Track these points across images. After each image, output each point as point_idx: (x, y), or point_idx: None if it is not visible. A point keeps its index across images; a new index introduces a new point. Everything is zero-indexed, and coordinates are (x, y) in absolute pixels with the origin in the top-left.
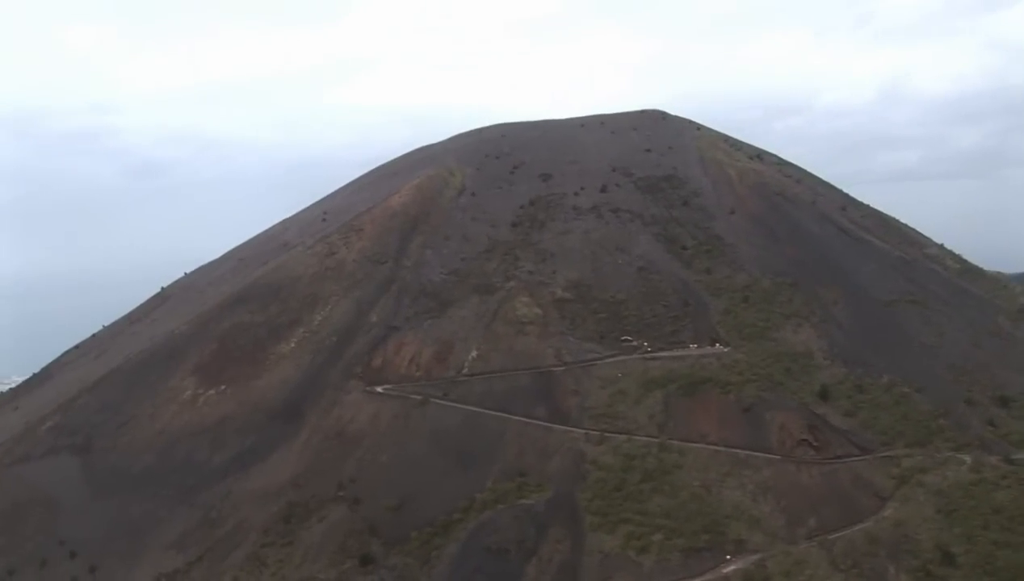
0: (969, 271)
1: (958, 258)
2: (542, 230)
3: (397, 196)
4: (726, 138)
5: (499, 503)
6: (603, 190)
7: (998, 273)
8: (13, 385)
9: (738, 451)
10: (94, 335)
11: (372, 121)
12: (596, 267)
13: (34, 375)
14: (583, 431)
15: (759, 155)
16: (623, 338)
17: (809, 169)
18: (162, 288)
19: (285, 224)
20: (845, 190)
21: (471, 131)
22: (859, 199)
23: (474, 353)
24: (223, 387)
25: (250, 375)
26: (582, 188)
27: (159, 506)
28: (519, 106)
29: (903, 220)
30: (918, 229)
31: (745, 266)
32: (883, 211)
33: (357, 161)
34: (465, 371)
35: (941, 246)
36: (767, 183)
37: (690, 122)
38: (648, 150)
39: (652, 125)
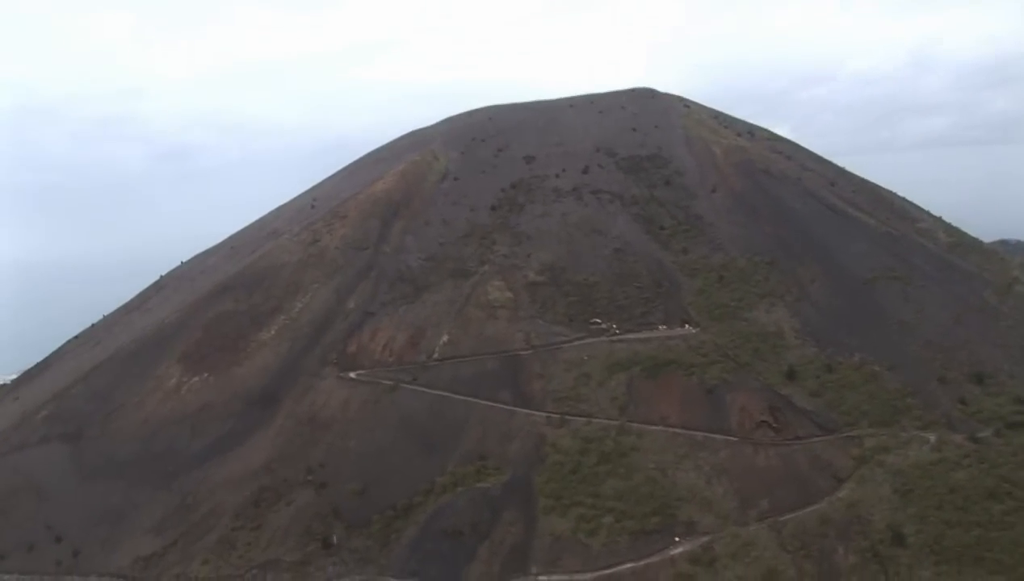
0: (961, 245)
1: (955, 231)
2: (521, 213)
3: (381, 182)
4: (716, 115)
5: (458, 486)
6: (585, 171)
7: (1001, 241)
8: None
9: (696, 433)
10: (93, 325)
11: (396, 100)
12: (571, 249)
13: (35, 365)
14: (545, 414)
15: (750, 132)
16: (592, 321)
17: (836, 138)
18: (160, 276)
19: (279, 211)
20: (873, 159)
21: (461, 113)
22: (867, 171)
23: (445, 338)
24: (206, 375)
25: (231, 363)
26: (564, 170)
27: (140, 492)
28: (540, 79)
29: (932, 188)
30: (944, 197)
31: (723, 245)
32: (880, 184)
33: (381, 141)
34: (436, 356)
35: (939, 219)
36: (752, 160)
37: (680, 99)
38: (634, 129)
39: (640, 103)
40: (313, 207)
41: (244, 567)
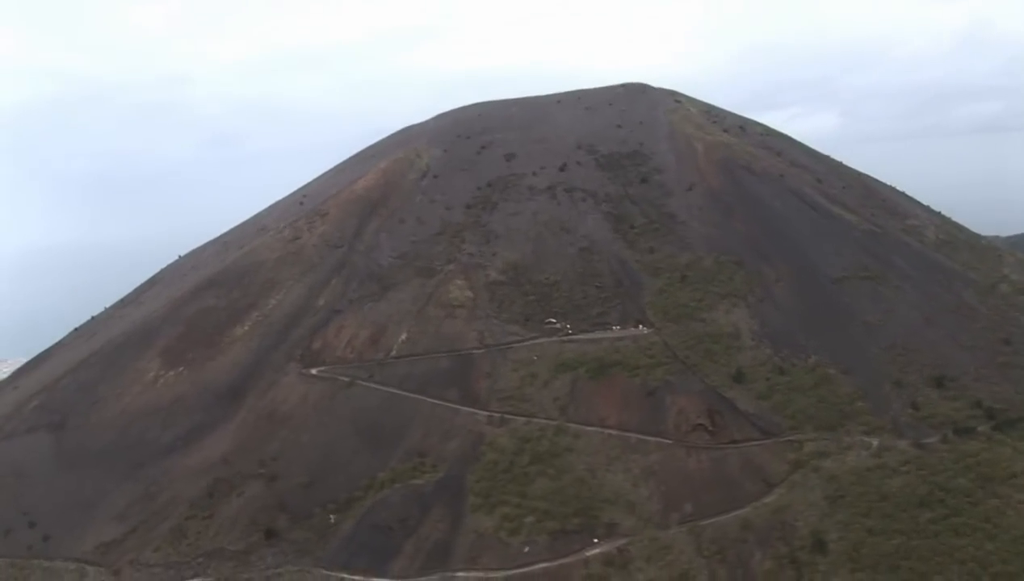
0: (952, 242)
1: (952, 227)
2: (494, 211)
3: (363, 180)
4: (709, 109)
5: (396, 482)
6: (562, 169)
7: (995, 237)
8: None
9: (631, 435)
10: (93, 317)
11: (443, 85)
12: (537, 248)
13: (38, 355)
14: (486, 414)
15: (742, 126)
16: (547, 321)
17: (884, 124)
18: (161, 270)
19: (273, 207)
20: (922, 144)
21: (453, 109)
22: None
23: (404, 336)
24: (181, 369)
25: (206, 357)
26: (542, 167)
27: (110, 480)
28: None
29: (982, 174)
30: (949, 189)
31: (692, 244)
32: (879, 179)
33: None
34: (393, 354)
35: (939, 214)
36: (734, 157)
37: (672, 93)
38: (619, 126)
39: (629, 99)
40: (301, 204)
41: (191, 555)
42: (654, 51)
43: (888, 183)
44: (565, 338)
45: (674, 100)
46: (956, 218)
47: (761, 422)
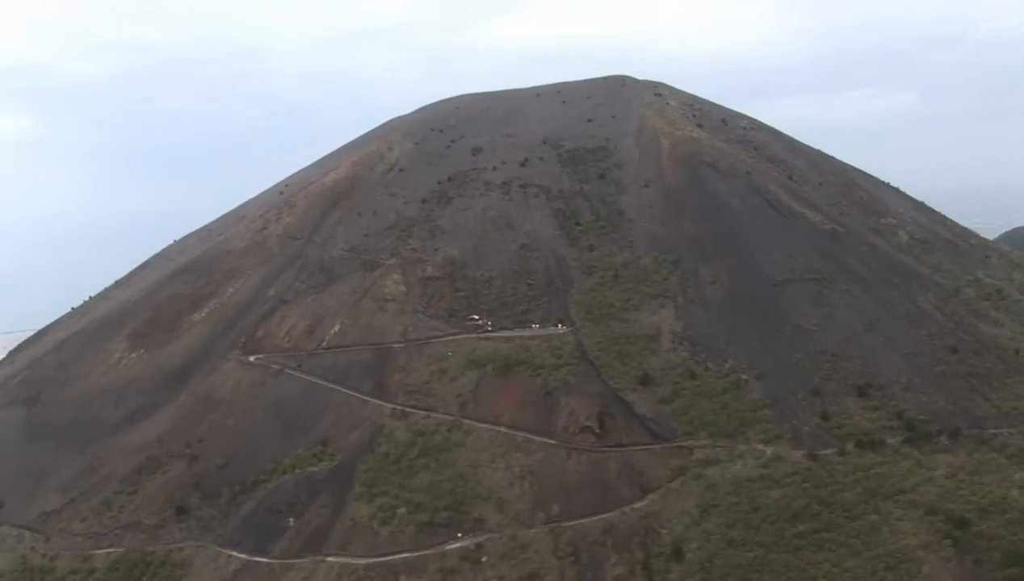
0: (927, 242)
1: (941, 226)
2: (447, 206)
3: (334, 172)
4: (692, 103)
5: (297, 468)
6: (523, 164)
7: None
8: None
9: (519, 434)
10: (90, 297)
11: (511, 59)
12: (479, 244)
13: (37, 331)
14: (391, 406)
15: (724, 120)
16: (470, 317)
17: (963, 105)
18: (156, 253)
19: (258, 196)
20: (1002, 126)
21: (436, 102)
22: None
23: (336, 327)
24: (142, 351)
25: (164, 342)
26: (504, 162)
27: (62, 454)
28: (659, 38)
29: None
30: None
31: (634, 243)
32: (869, 173)
33: None
34: (324, 345)
35: (934, 212)
36: (700, 153)
37: (655, 86)
38: (590, 120)
39: (607, 93)
40: (282, 193)
41: (111, 527)
42: (728, 29)
43: (891, 178)
44: (482, 335)
45: (654, 93)
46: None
47: (656, 427)
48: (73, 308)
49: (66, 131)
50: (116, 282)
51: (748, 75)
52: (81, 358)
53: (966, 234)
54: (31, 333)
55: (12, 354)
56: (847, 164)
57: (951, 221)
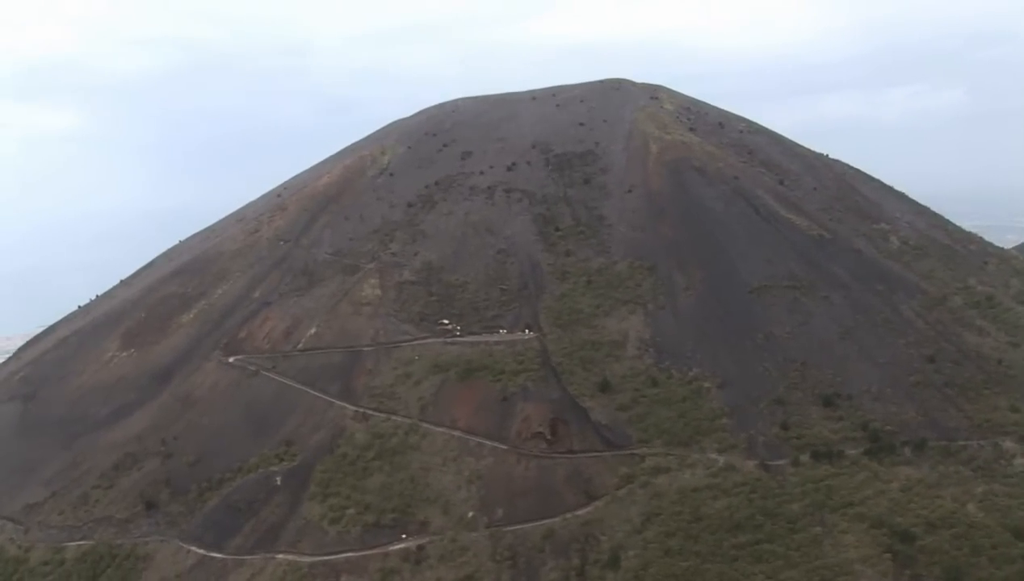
0: (920, 249)
1: (941, 231)
2: (431, 211)
3: (327, 176)
4: (689, 106)
5: (260, 467)
6: (510, 168)
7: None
8: None
9: (472, 438)
10: (98, 295)
11: (550, 56)
12: (457, 249)
13: (46, 328)
14: (354, 408)
15: (721, 123)
16: (440, 321)
17: (1014, 101)
18: (162, 253)
19: (259, 198)
20: None
21: (434, 105)
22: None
23: (313, 330)
24: (132, 350)
25: (153, 342)
26: (491, 167)
27: (50, 449)
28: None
29: None
30: None
31: (611, 249)
32: (870, 175)
33: None
34: (300, 347)
35: (937, 216)
36: (689, 157)
37: (652, 89)
38: (581, 124)
39: (602, 96)
40: (279, 196)
41: (86, 520)
42: (770, 25)
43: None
44: (449, 340)
45: (651, 97)
46: None
47: (611, 434)
48: (80, 306)
49: (117, 126)
50: (121, 281)
51: (789, 72)
52: (77, 356)
53: (967, 239)
54: None
55: (20, 350)
56: (850, 167)
57: (954, 226)
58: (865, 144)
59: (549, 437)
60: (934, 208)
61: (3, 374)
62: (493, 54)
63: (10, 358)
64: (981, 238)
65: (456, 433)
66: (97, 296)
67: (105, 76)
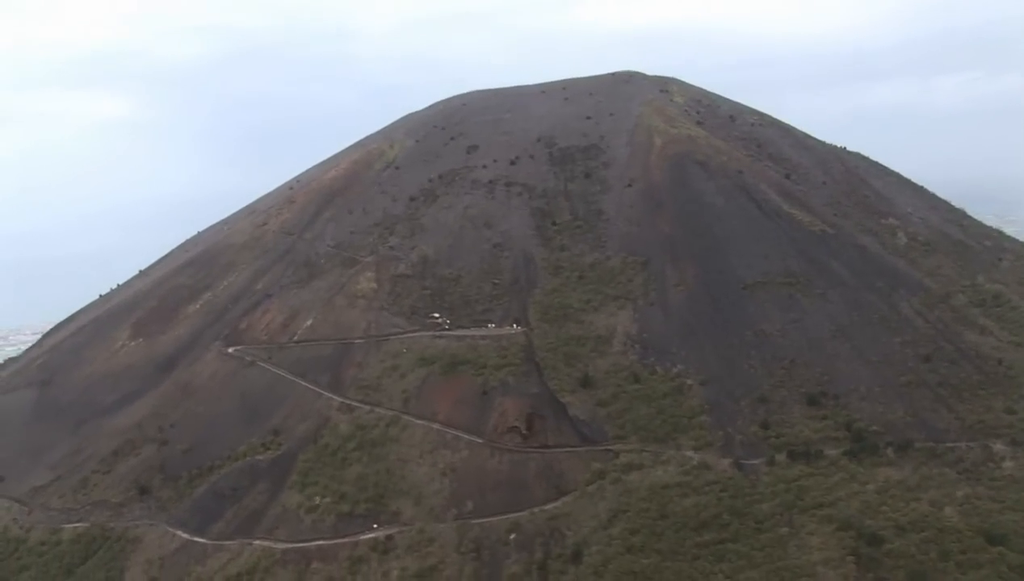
0: (929, 245)
1: (955, 226)
2: (432, 205)
3: (335, 169)
4: (700, 99)
5: (247, 455)
6: (513, 162)
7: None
8: None
9: (449, 431)
10: (118, 285)
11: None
12: (454, 243)
13: (68, 317)
14: (340, 400)
15: (732, 116)
16: (430, 315)
17: None
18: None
19: (272, 191)
20: None
21: (445, 99)
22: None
23: (309, 322)
24: (141, 340)
25: (160, 331)
26: (495, 160)
27: (59, 434)
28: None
29: None
30: None
31: (607, 243)
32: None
33: None
34: (296, 338)
35: (956, 210)
36: (693, 152)
37: (663, 81)
38: (588, 118)
39: (611, 90)
40: (291, 189)
41: (84, 503)
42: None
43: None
44: (437, 333)
45: (660, 90)
46: None
47: (587, 429)
48: (101, 295)
49: (170, 113)
50: (140, 271)
51: (839, 58)
52: (91, 344)
53: (983, 234)
54: None
55: (43, 338)
56: (866, 157)
57: (971, 220)
58: (917, 132)
59: (524, 431)
60: (984, 196)
61: (25, 360)
62: (541, 41)
63: (33, 345)
64: (999, 233)
65: (435, 426)
66: (118, 285)
67: (157, 64)
